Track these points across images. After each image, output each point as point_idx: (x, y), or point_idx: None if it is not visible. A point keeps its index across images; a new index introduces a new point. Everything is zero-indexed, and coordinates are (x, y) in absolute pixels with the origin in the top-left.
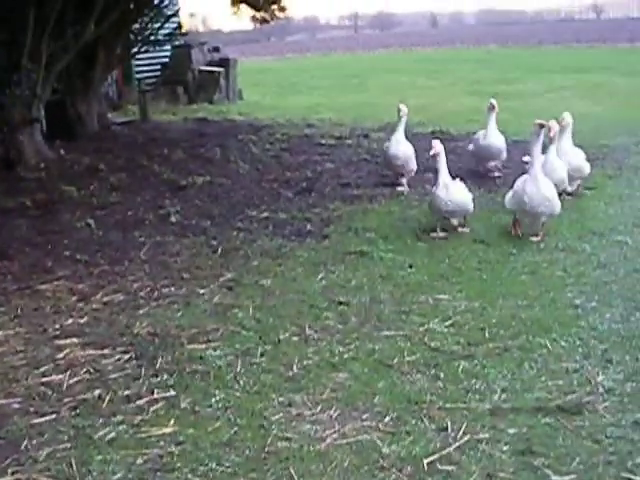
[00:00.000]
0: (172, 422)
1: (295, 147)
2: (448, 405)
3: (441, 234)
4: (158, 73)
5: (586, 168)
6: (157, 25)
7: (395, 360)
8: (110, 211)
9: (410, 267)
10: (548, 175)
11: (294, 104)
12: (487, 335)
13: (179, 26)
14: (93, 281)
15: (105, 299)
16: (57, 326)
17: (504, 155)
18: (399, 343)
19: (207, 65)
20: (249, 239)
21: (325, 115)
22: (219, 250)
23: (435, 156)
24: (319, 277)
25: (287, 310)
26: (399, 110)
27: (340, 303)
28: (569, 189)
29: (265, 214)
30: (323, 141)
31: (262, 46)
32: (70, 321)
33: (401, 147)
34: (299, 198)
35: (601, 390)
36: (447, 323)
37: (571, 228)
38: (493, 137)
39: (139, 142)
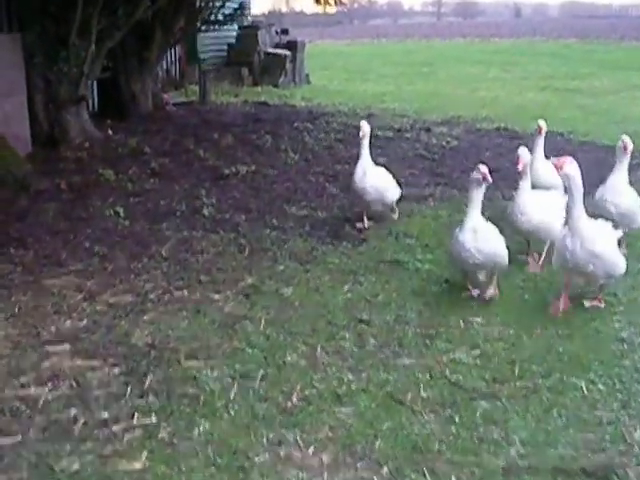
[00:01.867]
0: (145, 456)
1: (350, 138)
2: (457, 458)
3: None
4: (224, 53)
5: (639, 218)
6: (218, 4)
7: (409, 395)
8: (144, 199)
9: (446, 282)
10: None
11: (361, 91)
12: (516, 370)
13: (241, 6)
14: (104, 278)
15: (112, 300)
16: (52, 329)
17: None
18: (417, 374)
19: (274, 47)
20: (281, 239)
21: (390, 104)
22: (246, 250)
23: (481, 181)
24: (345, 288)
25: (301, 326)
26: (361, 130)
27: (361, 321)
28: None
29: (304, 212)
30: (380, 133)
31: (342, 29)
32: (68, 324)
33: (369, 178)
34: (344, 195)
35: (636, 450)
36: (474, 353)
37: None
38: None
39: (191, 124)
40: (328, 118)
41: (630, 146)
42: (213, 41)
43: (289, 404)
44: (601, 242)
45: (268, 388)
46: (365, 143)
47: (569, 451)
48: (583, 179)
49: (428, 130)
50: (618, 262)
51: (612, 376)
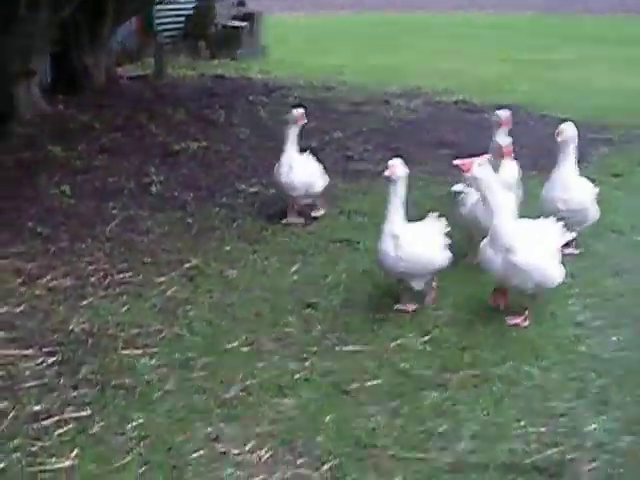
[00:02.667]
0: (75, 453)
1: (306, 112)
2: (402, 453)
3: None
4: (181, 25)
5: (591, 213)
6: None
7: (354, 385)
8: (91, 176)
9: None
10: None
11: (320, 64)
12: (467, 358)
13: None
14: (45, 260)
15: (51, 284)
16: None
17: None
18: (363, 362)
19: (231, 19)
20: (230, 217)
21: (349, 77)
22: (193, 230)
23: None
24: (292, 269)
25: (245, 311)
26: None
27: (308, 305)
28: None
29: (255, 188)
30: (337, 107)
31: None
32: (4, 310)
33: (296, 171)
34: None
35: (589, 444)
36: (424, 339)
37: None
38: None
39: (145, 99)
40: (285, 92)
41: (565, 134)
42: (170, 13)
43: (228, 395)
44: (525, 253)
45: (207, 378)
46: (293, 132)
47: (520, 445)
48: (540, 154)
49: (386, 102)
50: (549, 273)
51: (567, 363)
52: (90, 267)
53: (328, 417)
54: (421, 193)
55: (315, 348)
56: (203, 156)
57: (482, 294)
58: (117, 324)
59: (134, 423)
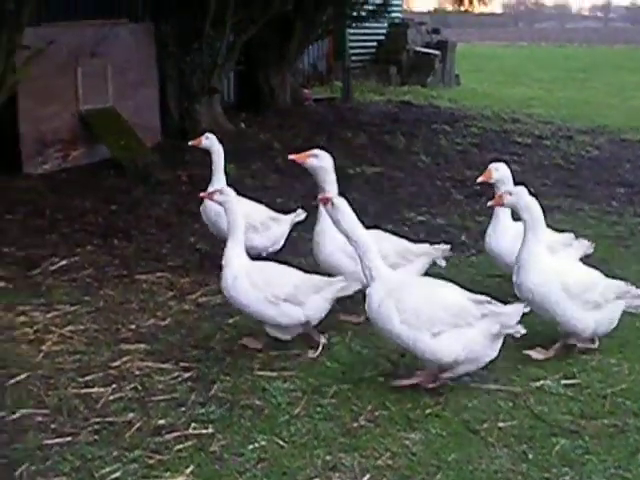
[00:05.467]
0: (190, 469)
1: (487, 143)
2: None
3: None
4: (372, 50)
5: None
6: (362, 0)
7: (485, 425)
8: (260, 195)
9: None
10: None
11: (510, 95)
12: (607, 406)
13: (386, 2)
14: (199, 276)
15: (200, 300)
16: (132, 326)
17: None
18: (499, 402)
19: (424, 46)
20: None
21: (536, 110)
22: None
23: None
24: None
25: (384, 341)
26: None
27: None
28: None
29: (422, 217)
30: (520, 139)
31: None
32: (150, 322)
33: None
34: (468, 202)
35: None
36: (567, 382)
37: None
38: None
39: (327, 122)
40: (469, 121)
41: (495, 174)
42: (362, 37)
43: (355, 424)
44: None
45: (338, 406)
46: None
47: None
48: None
49: (569, 138)
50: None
51: None
52: None
53: (452, 455)
54: (594, 232)
55: (453, 383)
56: (376, 182)
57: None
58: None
59: (255, 444)
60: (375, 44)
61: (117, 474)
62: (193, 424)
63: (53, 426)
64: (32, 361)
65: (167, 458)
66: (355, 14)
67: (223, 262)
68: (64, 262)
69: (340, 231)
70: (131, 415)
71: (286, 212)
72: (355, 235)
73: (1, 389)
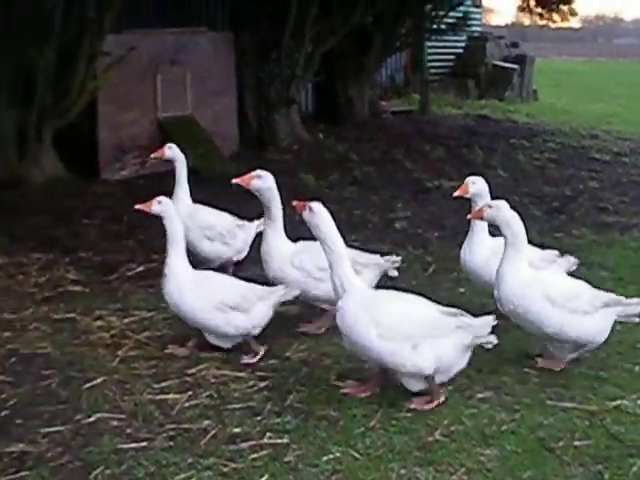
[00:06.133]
0: (265, 479)
1: (565, 159)
2: None
3: None
4: (450, 64)
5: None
6: (442, 13)
7: (561, 443)
8: (338, 207)
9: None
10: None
11: (588, 111)
12: None
13: (465, 16)
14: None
15: (280, 309)
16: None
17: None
18: (575, 420)
19: (503, 60)
20: None
21: (616, 126)
22: (430, 269)
23: None
24: None
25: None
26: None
27: (528, 357)
28: None
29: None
30: (597, 156)
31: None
32: None
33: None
34: (546, 219)
35: None
36: None
37: None
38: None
39: (405, 134)
40: (547, 137)
41: (472, 188)
42: (440, 50)
43: (431, 439)
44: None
45: (413, 420)
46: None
47: None
48: None
49: None
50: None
51: None
52: None
53: (527, 473)
54: None
55: (529, 401)
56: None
57: None
58: (334, 357)
59: (330, 456)
60: (453, 57)
61: None
62: (268, 433)
63: (128, 431)
64: (108, 366)
65: (242, 467)
66: (434, 27)
67: (165, 271)
68: (141, 268)
69: (316, 236)
70: (206, 422)
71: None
72: (331, 242)
73: (77, 392)
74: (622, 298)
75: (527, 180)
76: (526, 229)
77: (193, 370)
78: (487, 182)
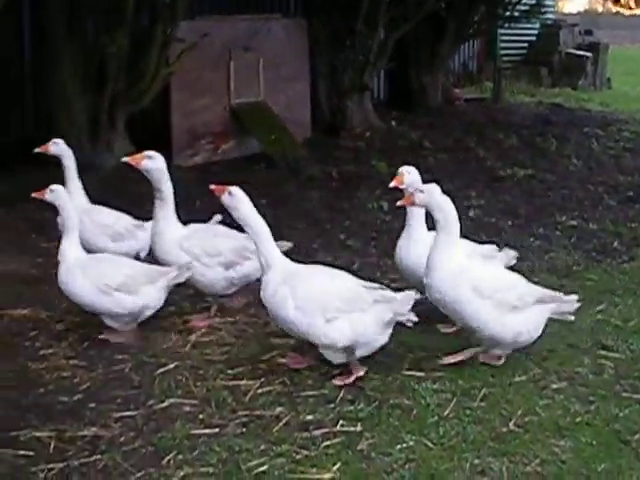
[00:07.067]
0: (337, 466)
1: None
2: None
3: None
4: (523, 51)
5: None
6: (515, 0)
7: (637, 436)
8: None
9: None
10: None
11: None
12: None
13: (539, 3)
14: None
15: None
16: None
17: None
18: None
19: (576, 48)
20: (543, 249)
21: None
22: None
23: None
24: (597, 309)
25: (538, 346)
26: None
27: (604, 347)
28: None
29: (574, 222)
30: None
31: None
32: None
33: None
34: (621, 208)
35: None
36: None
37: None
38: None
39: (478, 122)
40: (621, 125)
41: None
42: (513, 38)
43: (505, 429)
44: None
45: (487, 410)
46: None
47: None
48: None
49: None
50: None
51: None
52: (393, 284)
53: (602, 465)
54: None
55: (604, 392)
56: (527, 184)
57: None
58: (408, 346)
59: (403, 445)
60: (526, 45)
61: (264, 467)
62: (341, 421)
63: (201, 416)
64: (181, 351)
65: (314, 454)
66: (508, 14)
67: (59, 257)
68: None
69: (237, 219)
70: (279, 409)
71: None
72: (252, 223)
73: (150, 377)
74: (558, 294)
75: (601, 169)
76: (600, 218)
77: (266, 357)
78: (561, 171)
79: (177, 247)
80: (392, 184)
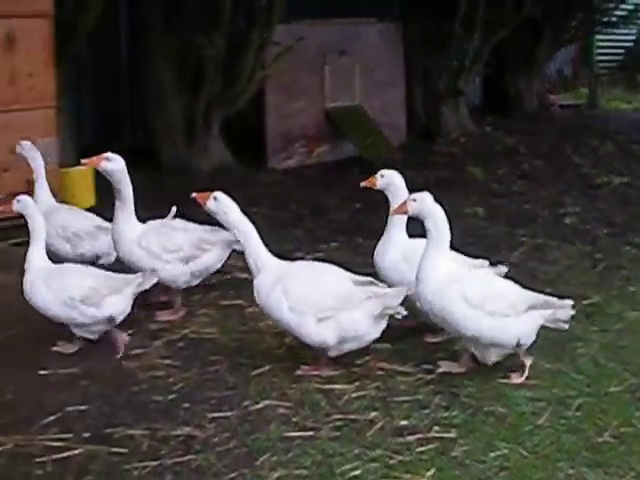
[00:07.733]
0: (431, 472)
1: None
2: None
3: None
4: (620, 57)
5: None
6: (613, 5)
7: None
8: (507, 201)
9: None
10: None
11: None
12: None
13: (637, 7)
14: None
15: None
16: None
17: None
18: None
19: None
20: (639, 258)
21: None
22: (600, 266)
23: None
24: None
25: (637, 356)
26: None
27: None
28: None
29: None
30: None
31: None
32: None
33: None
34: None
35: None
36: None
37: None
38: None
39: (573, 128)
40: None
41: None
42: (609, 43)
43: (600, 439)
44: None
45: (582, 419)
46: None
47: None
48: None
49: None
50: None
51: None
52: None
53: None
54: None
55: None
56: (624, 192)
57: None
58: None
59: (498, 452)
60: (623, 51)
61: (357, 472)
62: (435, 427)
63: (295, 419)
64: (276, 353)
65: (408, 459)
66: (605, 20)
67: (25, 266)
68: (308, 257)
69: (224, 223)
70: (373, 414)
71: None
72: (240, 226)
73: (245, 379)
74: (551, 299)
75: None
76: None
77: (360, 361)
78: None
79: (135, 245)
80: (363, 184)
